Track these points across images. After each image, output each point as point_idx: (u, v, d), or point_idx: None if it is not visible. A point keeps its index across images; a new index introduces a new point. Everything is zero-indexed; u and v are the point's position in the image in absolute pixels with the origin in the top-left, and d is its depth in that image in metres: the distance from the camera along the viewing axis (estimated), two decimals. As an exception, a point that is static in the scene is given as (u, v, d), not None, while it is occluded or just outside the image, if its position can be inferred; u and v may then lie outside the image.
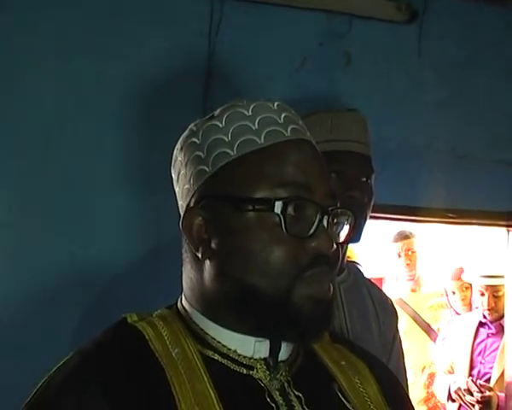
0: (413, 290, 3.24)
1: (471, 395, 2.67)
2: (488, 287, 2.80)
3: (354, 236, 0.78)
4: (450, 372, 2.88)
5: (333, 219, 0.73)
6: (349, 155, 1.34)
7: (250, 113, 0.74)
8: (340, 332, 1.34)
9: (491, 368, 2.72)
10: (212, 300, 0.73)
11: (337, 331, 1.30)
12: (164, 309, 0.80)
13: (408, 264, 3.23)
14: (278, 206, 0.69)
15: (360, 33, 2.01)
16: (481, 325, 2.84)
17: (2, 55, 1.69)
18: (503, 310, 2.54)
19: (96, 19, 1.77)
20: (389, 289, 3.20)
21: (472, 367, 2.79)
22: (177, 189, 0.79)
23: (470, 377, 2.74)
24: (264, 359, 0.74)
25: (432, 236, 3.59)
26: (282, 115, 0.75)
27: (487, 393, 2.64)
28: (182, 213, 0.77)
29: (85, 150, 1.74)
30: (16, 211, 1.68)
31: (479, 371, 2.77)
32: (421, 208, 2.05)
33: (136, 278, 1.72)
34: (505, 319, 2.47)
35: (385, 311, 1.50)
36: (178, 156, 0.78)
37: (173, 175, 0.80)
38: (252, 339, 0.73)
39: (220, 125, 0.74)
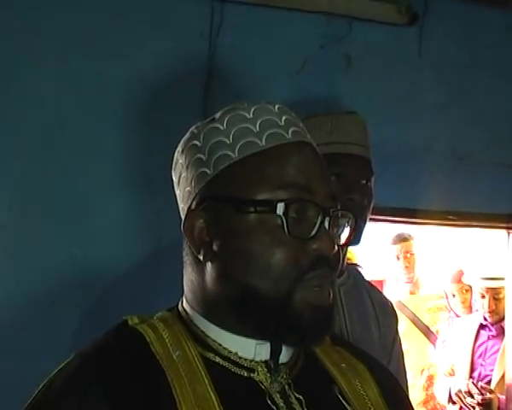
0: (412, 293, 3.24)
1: (472, 397, 2.67)
2: (489, 289, 2.80)
3: (354, 238, 0.78)
4: (450, 375, 2.87)
5: (334, 221, 0.74)
6: (349, 157, 1.34)
7: (251, 115, 0.74)
8: (340, 335, 1.34)
9: (492, 370, 2.72)
10: (214, 302, 0.73)
11: (337, 334, 1.30)
12: (165, 311, 0.80)
13: (406, 266, 3.23)
14: (280, 207, 0.69)
15: (360, 36, 2.01)
16: (482, 327, 2.84)
17: (2, 55, 1.69)
18: (504, 312, 2.54)
19: (96, 20, 1.77)
20: (390, 292, 3.20)
21: (472, 369, 2.79)
22: (177, 191, 0.79)
23: (471, 380, 2.74)
24: (265, 361, 0.74)
25: (432, 238, 3.58)
26: (283, 118, 0.75)
27: (488, 395, 2.64)
28: (183, 216, 0.77)
29: (85, 151, 1.74)
30: (16, 211, 1.68)
31: (479, 374, 2.77)
32: (421, 211, 2.05)
33: (136, 280, 1.72)
34: (506, 321, 2.47)
35: (385, 313, 1.50)
36: (179, 159, 0.78)
37: (174, 178, 0.80)
38: (253, 342, 0.73)
39: (221, 127, 0.74)
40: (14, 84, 1.70)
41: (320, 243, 0.70)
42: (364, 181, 1.35)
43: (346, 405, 0.76)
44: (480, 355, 2.80)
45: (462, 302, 3.12)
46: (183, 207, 0.78)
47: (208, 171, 0.73)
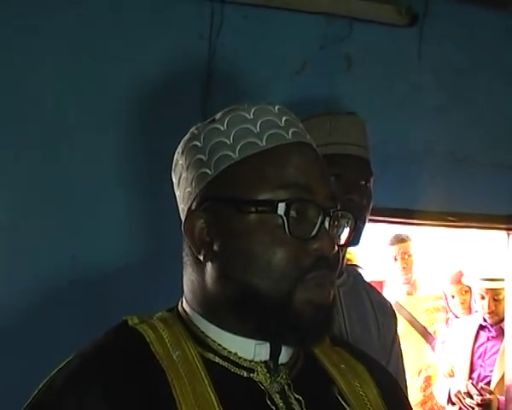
0: (409, 294, 3.24)
1: (471, 398, 2.68)
2: (488, 290, 2.80)
3: (353, 239, 0.78)
4: (450, 375, 2.87)
5: (334, 222, 0.74)
6: (348, 158, 1.34)
7: (251, 116, 0.74)
8: (340, 335, 1.34)
9: (492, 371, 2.73)
10: (214, 302, 0.73)
11: (336, 334, 1.30)
12: (164, 312, 0.80)
13: (404, 267, 3.23)
14: (281, 207, 0.69)
15: (360, 37, 2.01)
16: (481, 328, 2.84)
17: (2, 55, 1.69)
18: (504, 313, 2.55)
19: (96, 20, 1.78)
20: (389, 293, 3.20)
21: (472, 370, 2.79)
22: (177, 192, 0.80)
23: (470, 381, 2.74)
24: (265, 362, 0.74)
25: (431, 239, 3.59)
26: (283, 119, 0.75)
27: (487, 396, 2.64)
28: (183, 217, 0.77)
29: (85, 151, 1.74)
30: (16, 211, 1.68)
31: (479, 375, 2.77)
32: (420, 212, 2.05)
33: (136, 280, 1.72)
34: (505, 322, 2.47)
35: (384, 314, 1.50)
36: (179, 160, 0.78)
37: (174, 179, 0.80)
38: (252, 342, 0.74)
39: (222, 128, 0.75)
40: (14, 85, 1.70)
41: (321, 243, 0.70)
42: (364, 182, 1.35)
43: (346, 405, 0.76)
44: (480, 356, 2.80)
45: (462, 303, 3.12)
46: (183, 208, 0.78)
47: (209, 171, 0.73)
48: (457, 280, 3.12)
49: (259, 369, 0.73)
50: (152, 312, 0.80)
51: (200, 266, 0.74)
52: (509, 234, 2.26)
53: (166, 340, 0.73)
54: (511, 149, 2.17)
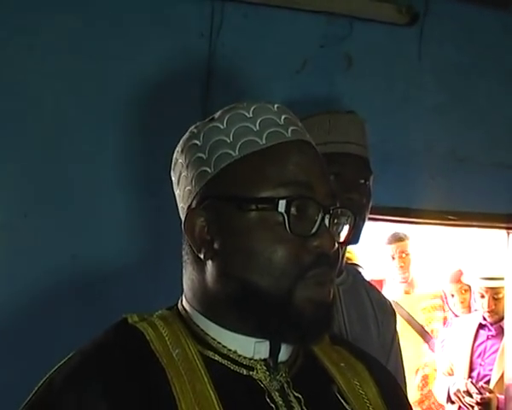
0: (407, 292, 3.24)
1: (470, 396, 2.68)
2: (488, 289, 2.80)
3: (353, 237, 0.79)
4: (449, 374, 2.88)
5: (333, 219, 0.74)
6: (347, 156, 1.34)
7: (251, 114, 0.74)
8: (339, 334, 1.34)
9: (491, 370, 2.73)
10: (214, 300, 0.73)
11: (336, 333, 1.30)
12: (164, 310, 0.80)
13: (401, 266, 3.23)
14: (282, 205, 0.69)
15: (361, 36, 2.01)
16: (481, 326, 2.84)
17: (2, 55, 1.69)
18: (503, 312, 2.55)
19: (96, 20, 1.78)
20: (389, 291, 3.20)
21: (471, 369, 2.79)
22: (177, 191, 0.80)
23: (470, 379, 2.75)
24: (264, 360, 0.74)
25: (430, 238, 3.59)
26: (283, 117, 0.75)
27: (487, 395, 2.64)
28: (183, 216, 0.77)
29: (85, 151, 1.74)
30: (16, 211, 1.69)
31: (478, 373, 2.78)
32: (421, 211, 2.05)
33: (136, 279, 1.72)
34: (505, 321, 2.47)
35: (384, 312, 1.50)
36: (179, 159, 0.78)
37: (173, 178, 0.80)
38: (252, 340, 0.74)
39: (221, 126, 0.75)
40: (14, 85, 1.70)
41: (321, 240, 0.70)
42: (363, 180, 1.35)
43: (345, 404, 0.76)
44: (479, 355, 2.80)
45: (461, 302, 3.12)
46: (182, 207, 0.78)
47: (209, 170, 0.73)
48: (457, 279, 3.13)
49: (259, 367, 0.73)
50: (152, 310, 0.80)
51: (200, 265, 0.74)
52: (508, 233, 2.27)
53: (166, 338, 0.73)
54: (511, 148, 2.17)
